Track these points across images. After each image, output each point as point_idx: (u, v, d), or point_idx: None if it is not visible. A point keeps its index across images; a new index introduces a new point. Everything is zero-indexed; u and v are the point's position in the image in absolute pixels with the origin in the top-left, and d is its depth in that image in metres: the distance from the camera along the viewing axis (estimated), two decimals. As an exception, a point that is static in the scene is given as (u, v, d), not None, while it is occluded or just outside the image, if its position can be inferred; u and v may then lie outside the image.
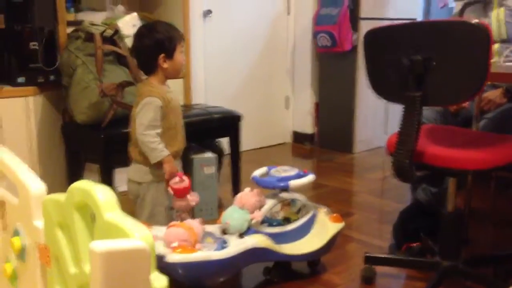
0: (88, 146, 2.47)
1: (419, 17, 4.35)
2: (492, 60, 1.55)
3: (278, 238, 1.93)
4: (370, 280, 2.01)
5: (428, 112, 2.28)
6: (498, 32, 2.28)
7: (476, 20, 1.53)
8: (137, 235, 0.85)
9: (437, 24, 1.66)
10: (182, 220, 1.90)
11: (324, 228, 2.04)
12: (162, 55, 1.96)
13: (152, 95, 1.96)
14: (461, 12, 2.50)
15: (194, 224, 1.83)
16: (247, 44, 4.07)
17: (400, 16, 4.04)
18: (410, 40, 1.66)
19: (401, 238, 2.25)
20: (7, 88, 2.35)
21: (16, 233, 1.25)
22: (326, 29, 3.92)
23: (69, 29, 2.51)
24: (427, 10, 4.51)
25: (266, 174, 2.08)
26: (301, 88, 4.37)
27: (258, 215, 1.91)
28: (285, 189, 2.01)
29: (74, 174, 2.59)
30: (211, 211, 2.61)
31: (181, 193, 1.95)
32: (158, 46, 1.96)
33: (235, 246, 1.80)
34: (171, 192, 1.95)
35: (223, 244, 1.82)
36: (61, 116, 2.60)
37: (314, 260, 2.08)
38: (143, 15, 2.87)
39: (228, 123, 2.72)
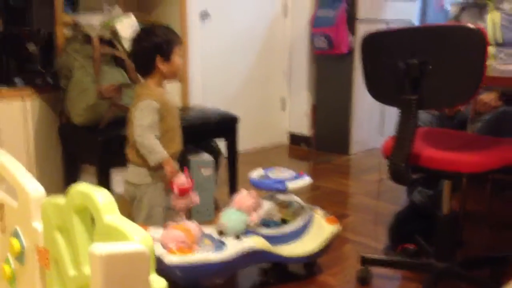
0: (85, 147, 2.47)
1: (416, 19, 4.38)
2: (487, 64, 1.57)
3: (275, 239, 1.94)
4: (365, 281, 2.02)
5: (424, 115, 2.29)
6: (493, 36, 2.30)
7: (470, 25, 1.54)
8: (137, 238, 0.86)
9: (433, 29, 1.68)
10: (178, 221, 1.91)
11: (320, 230, 2.05)
12: (160, 57, 1.97)
13: (149, 98, 1.96)
14: (458, 15, 2.52)
15: (191, 225, 1.84)
16: (244, 46, 4.08)
17: (397, 17, 4.06)
18: (407, 44, 1.68)
19: (397, 240, 2.27)
20: (5, 90, 2.35)
21: (15, 235, 1.26)
22: (323, 31, 3.93)
23: (67, 31, 2.51)
24: (423, 12, 4.53)
25: (263, 175, 2.10)
26: (297, 90, 4.39)
27: (255, 217, 1.92)
28: (282, 191, 2.02)
29: (71, 176, 2.60)
30: (208, 212, 2.62)
31: (185, 192, 1.96)
32: (156, 48, 1.97)
33: (233, 247, 1.81)
34: (176, 191, 1.95)
35: (220, 246, 1.83)
36: (58, 118, 2.61)
37: (310, 262, 2.10)
38: (141, 17, 2.88)
39: (225, 125, 2.73)
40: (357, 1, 3.89)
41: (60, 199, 1.06)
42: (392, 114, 1.92)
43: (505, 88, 2.36)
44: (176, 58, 2.01)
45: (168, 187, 1.99)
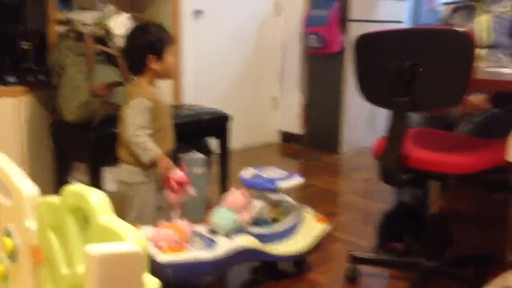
0: (77, 145, 2.47)
1: (407, 19, 4.40)
2: (478, 66, 1.59)
3: (266, 238, 1.96)
4: (354, 280, 2.04)
5: (414, 115, 2.31)
6: (487, 38, 2.32)
7: (457, 28, 1.56)
8: (131, 239, 0.87)
9: (423, 31, 1.70)
10: (173, 218, 1.92)
11: (310, 228, 2.07)
12: (152, 56, 1.97)
13: (141, 96, 1.96)
14: (449, 17, 2.54)
15: (183, 224, 1.85)
16: (237, 45, 4.09)
17: (388, 18, 4.09)
18: (399, 46, 1.70)
19: (385, 239, 2.29)
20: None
21: (7, 233, 1.26)
22: (316, 30, 3.95)
23: (60, 28, 2.51)
24: (415, 12, 4.56)
25: (254, 175, 2.11)
26: (289, 89, 4.40)
27: (246, 216, 1.93)
28: (273, 190, 2.04)
29: (62, 173, 2.59)
30: (199, 210, 2.62)
31: (182, 185, 1.96)
32: (148, 46, 1.97)
33: (224, 246, 1.82)
34: (174, 185, 1.95)
35: (211, 244, 1.84)
36: (51, 115, 2.61)
37: (299, 260, 2.12)
38: (135, 15, 2.87)
39: (217, 124, 2.74)
40: (349, 0, 3.91)
41: (54, 199, 1.07)
42: (382, 113, 1.93)
43: (498, 90, 2.38)
44: (168, 57, 2.01)
45: (162, 184, 2.00)
